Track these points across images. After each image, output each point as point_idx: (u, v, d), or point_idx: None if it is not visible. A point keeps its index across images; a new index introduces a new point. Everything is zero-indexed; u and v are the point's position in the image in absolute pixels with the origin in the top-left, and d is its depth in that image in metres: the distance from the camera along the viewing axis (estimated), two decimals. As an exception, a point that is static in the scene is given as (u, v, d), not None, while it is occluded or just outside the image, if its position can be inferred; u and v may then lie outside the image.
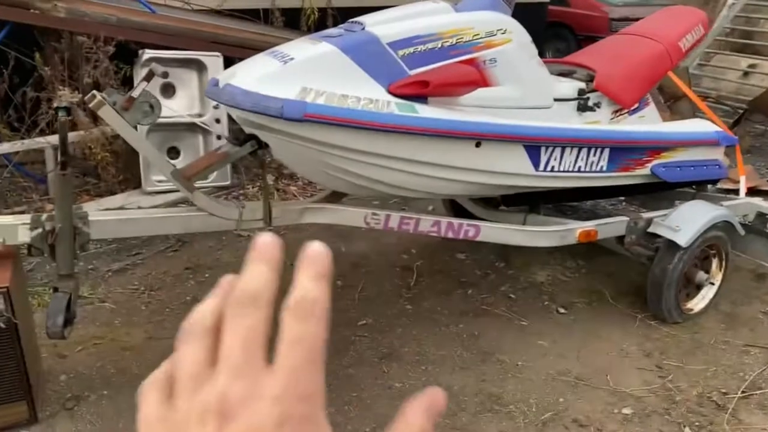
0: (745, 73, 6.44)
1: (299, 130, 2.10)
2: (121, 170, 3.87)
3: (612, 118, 2.88)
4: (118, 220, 2.17)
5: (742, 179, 3.31)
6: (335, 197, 2.71)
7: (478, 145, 2.33)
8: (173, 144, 3.93)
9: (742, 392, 2.36)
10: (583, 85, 2.78)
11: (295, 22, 5.03)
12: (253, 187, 4.11)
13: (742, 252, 3.20)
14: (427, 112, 2.21)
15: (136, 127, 2.12)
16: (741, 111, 5.75)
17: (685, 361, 2.56)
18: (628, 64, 2.94)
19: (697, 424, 2.20)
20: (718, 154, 3.09)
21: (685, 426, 2.18)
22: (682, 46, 3.10)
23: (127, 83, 3.74)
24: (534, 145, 2.44)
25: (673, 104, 5.68)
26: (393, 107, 2.17)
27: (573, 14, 8.12)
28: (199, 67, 3.79)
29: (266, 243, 0.38)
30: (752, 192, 4.37)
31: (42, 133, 3.73)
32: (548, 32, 8.08)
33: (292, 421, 0.32)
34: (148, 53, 3.62)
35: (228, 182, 4.01)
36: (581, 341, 2.64)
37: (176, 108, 3.69)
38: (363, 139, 2.15)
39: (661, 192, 3.19)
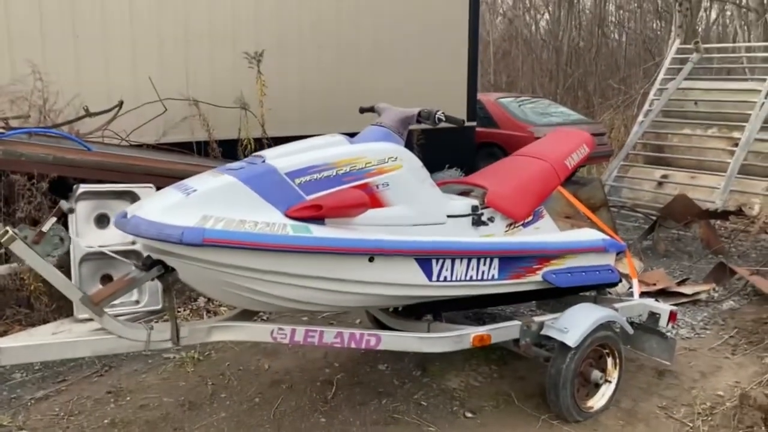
0: (659, 183, 6.94)
1: (199, 253, 2.30)
2: (54, 299, 3.98)
3: (506, 231, 3.16)
4: (27, 347, 2.29)
5: (635, 282, 3.57)
6: (246, 315, 2.89)
7: (371, 260, 2.56)
8: (108, 272, 4.08)
9: (631, 484, 2.49)
10: (476, 202, 3.06)
11: (232, 152, 5.38)
12: (184, 310, 4.25)
13: (641, 350, 3.41)
14: (320, 232, 2.45)
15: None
16: (654, 218, 6.16)
17: (582, 457, 2.69)
18: (517, 181, 3.26)
19: None
20: (608, 260, 3.36)
21: None
22: (568, 163, 3.45)
23: (64, 216, 3.94)
24: (425, 258, 2.67)
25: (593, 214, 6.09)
26: (288, 229, 2.39)
27: (503, 135, 8.73)
28: (133, 198, 4.01)
29: None
30: (663, 293, 4.67)
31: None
32: (482, 152, 8.65)
33: None
34: (82, 187, 3.84)
35: (159, 306, 4.14)
36: (484, 443, 2.76)
37: (110, 238, 3.87)
38: (259, 259, 2.36)
39: (564, 297, 3.43)
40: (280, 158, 2.61)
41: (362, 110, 3.27)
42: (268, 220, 2.39)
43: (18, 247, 2.17)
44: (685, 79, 7.42)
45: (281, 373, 3.44)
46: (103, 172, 4.02)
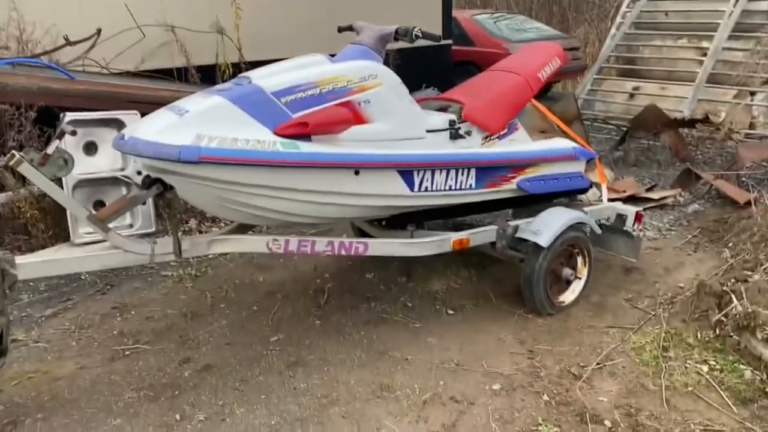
0: (631, 95, 7.12)
1: (196, 170, 2.46)
2: (51, 226, 4.13)
3: (483, 144, 3.34)
4: (42, 261, 2.47)
5: (603, 187, 3.80)
6: (242, 229, 3.08)
7: (357, 173, 2.74)
8: (99, 198, 4.21)
9: (597, 364, 2.79)
10: (454, 116, 3.22)
11: (211, 78, 5.43)
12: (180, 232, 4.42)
13: (609, 250, 3.68)
14: (308, 147, 2.61)
15: (61, 181, 2.44)
16: (624, 129, 6.37)
17: (554, 344, 2.97)
18: (492, 95, 3.41)
19: (554, 392, 2.60)
20: (578, 167, 3.57)
21: (543, 394, 2.58)
22: (541, 76, 3.59)
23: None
24: (406, 170, 2.86)
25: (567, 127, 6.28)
26: (278, 146, 2.55)
27: (478, 53, 8.78)
28: (119, 125, 4.11)
29: None
30: (632, 199, 4.93)
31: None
32: (458, 70, 8.70)
33: None
34: (69, 116, 3.92)
35: (153, 229, 4.31)
36: (465, 335, 3.03)
37: (99, 164, 4.00)
38: (253, 174, 2.53)
39: (539, 204, 3.65)
40: (266, 78, 2.73)
41: (340, 29, 3.37)
42: (258, 137, 2.54)
43: (26, 169, 2.32)
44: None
45: (275, 285, 3.66)
46: (88, 100, 4.10)
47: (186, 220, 4.57)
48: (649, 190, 5.21)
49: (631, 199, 4.91)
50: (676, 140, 5.99)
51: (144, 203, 3.25)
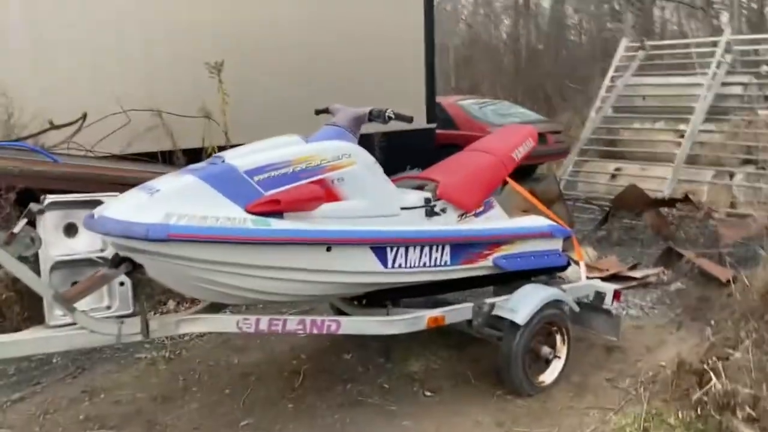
0: (613, 176, 7.24)
1: (165, 248, 2.45)
2: (26, 308, 4.07)
3: (459, 221, 3.35)
4: (6, 342, 2.42)
5: (582, 264, 3.79)
6: (214, 308, 3.04)
7: (328, 249, 2.73)
8: (77, 279, 4.17)
9: (575, 446, 2.70)
10: (429, 194, 3.25)
11: (197, 161, 5.49)
12: (155, 313, 4.36)
13: (589, 328, 3.64)
14: (279, 224, 2.61)
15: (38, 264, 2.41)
16: (607, 209, 6.44)
17: (532, 426, 2.89)
18: (467, 174, 3.45)
19: (531, 476, 2.50)
20: (555, 245, 3.58)
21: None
22: (515, 156, 3.65)
23: (32, 226, 4.04)
24: (379, 246, 2.86)
25: (548, 207, 6.34)
26: (248, 223, 2.56)
27: (461, 136, 8.96)
28: (100, 206, 4.15)
29: None
30: (615, 278, 4.92)
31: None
32: (442, 152, 8.84)
33: None
34: (49, 198, 3.95)
35: (130, 310, 4.25)
36: (442, 418, 2.95)
37: (79, 246, 3.98)
38: (222, 252, 2.52)
39: (518, 281, 3.63)
40: (240, 158, 2.77)
41: (317, 112, 3.45)
42: (229, 215, 2.55)
43: (-9, 249, 2.31)
44: (633, 75, 7.75)
45: (250, 366, 3.58)
46: (70, 182, 4.13)
47: (164, 301, 4.52)
48: (631, 268, 5.21)
49: (614, 278, 4.90)
50: (658, 219, 6.04)
51: (122, 284, 3.21)
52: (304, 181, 2.77)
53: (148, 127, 5.40)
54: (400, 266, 2.93)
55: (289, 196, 2.67)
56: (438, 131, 8.79)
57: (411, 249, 2.96)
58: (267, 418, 2.99)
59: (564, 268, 3.68)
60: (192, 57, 5.71)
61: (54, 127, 4.60)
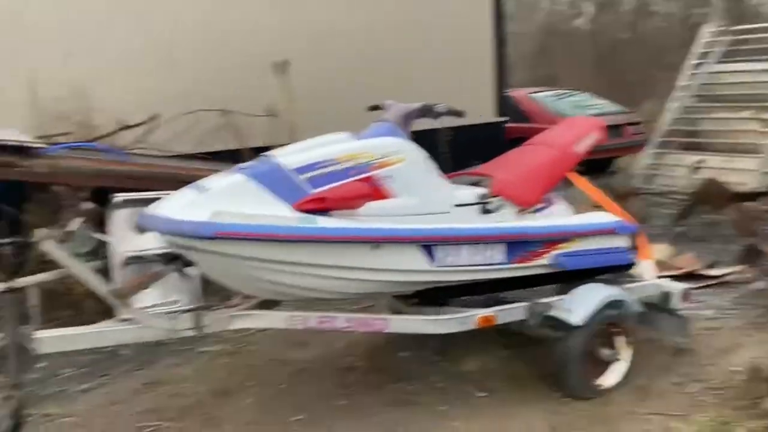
0: (693, 169, 6.87)
1: (213, 246, 2.50)
2: (101, 302, 4.25)
3: (516, 218, 3.25)
4: (59, 336, 2.53)
5: (647, 263, 3.61)
6: (268, 304, 3.07)
7: (376, 247, 2.71)
8: (147, 275, 4.35)
9: (633, 454, 2.57)
10: (484, 191, 3.18)
11: (264, 158, 5.61)
12: (221, 307, 4.47)
13: (656, 329, 3.46)
14: (325, 222, 2.62)
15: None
16: (686, 204, 6.13)
17: (588, 431, 2.77)
18: (525, 169, 3.36)
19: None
20: (621, 242, 3.42)
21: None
22: (578, 150, 3.52)
23: (102, 224, 4.24)
24: (428, 244, 2.81)
25: (622, 203, 6.09)
26: (295, 221, 2.57)
27: (535, 130, 8.70)
28: (167, 204, 4.29)
29: None
30: (691, 276, 4.67)
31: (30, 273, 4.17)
32: (515, 147, 8.68)
33: None
34: (119, 196, 4.13)
35: (200, 304, 4.38)
36: (492, 420, 2.88)
37: (147, 243, 4.14)
38: (268, 250, 2.54)
39: (582, 280, 3.49)
40: (288, 156, 2.80)
41: (370, 108, 3.44)
42: (276, 213, 2.57)
43: (48, 246, 2.41)
44: (717, 62, 7.33)
45: (307, 362, 3.61)
46: (138, 180, 4.29)
47: (230, 295, 4.62)
48: (709, 266, 4.93)
49: (690, 276, 4.65)
50: (741, 215, 5.69)
51: (187, 278, 3.29)
52: (351, 179, 2.76)
53: (216, 127, 5.53)
54: (450, 265, 2.88)
55: (335, 193, 2.67)
56: (510, 125, 8.61)
57: (462, 247, 2.89)
58: (318, 414, 3.01)
59: (630, 266, 3.52)
60: (259, 57, 5.82)
61: (126, 127, 4.79)
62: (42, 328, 2.57)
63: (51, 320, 4.08)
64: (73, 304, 4.26)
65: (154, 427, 2.96)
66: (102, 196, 4.32)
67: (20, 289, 2.40)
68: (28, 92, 4.71)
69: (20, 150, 3.85)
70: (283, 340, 3.95)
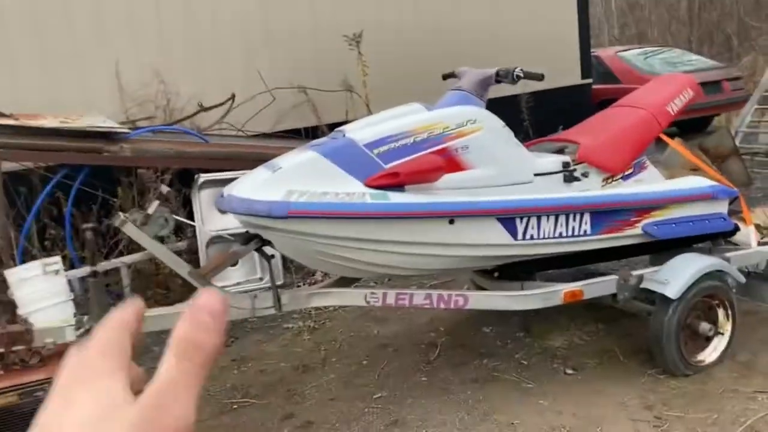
0: (802, 125, 6.34)
1: (287, 225, 2.47)
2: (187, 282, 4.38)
3: (603, 186, 3.08)
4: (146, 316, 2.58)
5: (750, 229, 3.33)
6: (345, 281, 3.04)
7: (451, 222, 2.61)
8: (232, 253, 4.43)
9: (737, 436, 2.39)
10: (568, 158, 3.01)
11: (341, 134, 5.58)
12: (303, 284, 4.51)
13: (761, 301, 3.21)
14: (398, 198, 2.54)
15: (162, 239, 2.57)
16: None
17: (687, 411, 2.60)
18: (612, 133, 3.16)
19: (681, 467, 2.25)
20: (719, 208, 3.17)
21: (666, 470, 2.24)
22: (670, 110, 3.28)
23: (187, 204, 4.33)
24: (507, 217, 2.68)
25: (721, 164, 5.70)
26: (367, 197, 2.51)
27: (624, 90, 8.28)
28: (248, 183, 4.34)
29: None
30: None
31: (120, 254, 4.34)
32: (601, 110, 8.29)
33: None
34: (202, 177, 4.20)
35: (281, 282, 4.44)
36: (582, 398, 2.74)
37: (230, 222, 4.21)
38: (342, 227, 2.50)
39: (678, 249, 3.26)
40: (360, 130, 2.72)
41: (444, 77, 3.31)
42: (348, 190, 2.51)
43: (129, 229, 2.46)
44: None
45: (389, 338, 3.58)
46: (219, 161, 4.34)
47: (313, 272, 4.65)
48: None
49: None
50: None
51: (273, 257, 3.30)
52: (426, 152, 2.66)
53: (293, 104, 5.53)
54: (531, 237, 2.74)
55: (408, 168, 2.58)
56: (597, 87, 8.22)
57: (543, 219, 2.75)
58: (400, 391, 2.97)
59: (731, 233, 3.27)
60: (333, 30, 5.76)
61: (203, 109, 4.85)
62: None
63: (143, 300, 4.25)
64: (162, 283, 4.41)
65: (239, 404, 3.01)
66: (186, 178, 4.43)
67: (105, 273, 2.46)
68: (111, 79, 4.85)
69: (106, 135, 3.96)
70: (363, 316, 3.94)
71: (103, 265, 4.18)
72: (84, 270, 4.15)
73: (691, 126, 8.03)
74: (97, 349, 0.41)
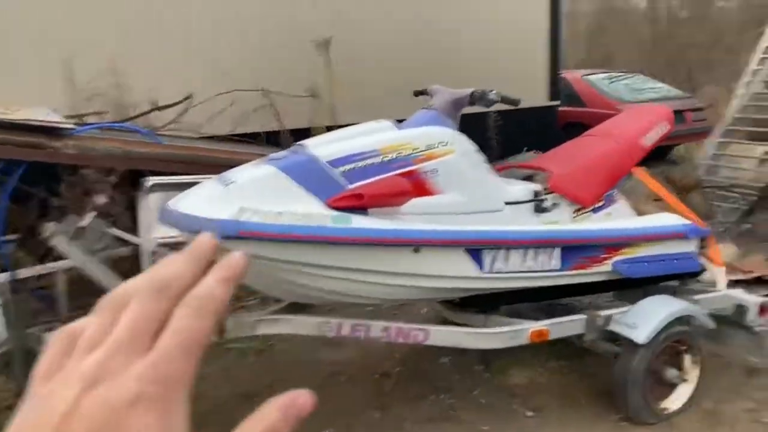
0: (762, 161, 6.38)
1: (236, 246, 2.24)
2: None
3: (574, 218, 2.94)
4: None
5: (719, 271, 3.24)
6: (295, 308, 2.83)
7: (416, 250, 2.43)
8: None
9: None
10: (539, 187, 2.87)
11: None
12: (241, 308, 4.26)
13: (726, 345, 3.11)
14: (361, 222, 2.35)
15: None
16: (754, 198, 5.68)
17: (651, 463, 2.47)
18: (585, 163, 3.03)
19: None
20: (690, 247, 3.07)
21: None
22: (644, 143, 3.17)
23: (133, 208, 4.06)
24: (475, 248, 2.52)
25: (684, 197, 5.67)
26: (327, 220, 2.31)
27: (588, 114, 8.28)
28: (200, 189, 4.08)
29: (202, 242, 0.42)
30: (761, 282, 4.26)
31: (57, 258, 4.04)
32: (569, 132, 8.25)
33: (145, 399, 0.34)
34: (151, 180, 3.93)
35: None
36: (542, 445, 2.59)
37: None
38: (297, 251, 2.29)
39: (643, 288, 3.15)
40: (323, 146, 2.53)
41: (416, 93, 3.15)
42: (307, 210, 2.32)
43: (59, 242, 2.21)
44: (793, 45, 6.77)
45: (342, 364, 3.38)
46: (172, 163, 4.09)
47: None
48: (782, 270, 4.51)
49: (760, 281, 4.24)
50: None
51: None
52: (392, 173, 2.48)
53: (254, 107, 5.29)
54: (499, 271, 2.59)
55: (373, 189, 2.40)
56: (562, 109, 8.19)
57: (512, 252, 2.60)
58: (350, 427, 2.77)
59: (698, 273, 3.17)
60: (299, 35, 5.56)
61: (158, 108, 4.59)
62: (68, 317, 2.39)
63: (77, 308, 3.95)
64: (99, 291, 4.12)
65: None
66: (133, 180, 4.15)
67: (25, 285, 2.20)
68: (62, 70, 4.54)
69: (48, 130, 3.67)
70: (315, 339, 3.71)
71: (39, 269, 3.90)
72: (25, 271, 3.85)
73: (651, 154, 8.06)
74: None
